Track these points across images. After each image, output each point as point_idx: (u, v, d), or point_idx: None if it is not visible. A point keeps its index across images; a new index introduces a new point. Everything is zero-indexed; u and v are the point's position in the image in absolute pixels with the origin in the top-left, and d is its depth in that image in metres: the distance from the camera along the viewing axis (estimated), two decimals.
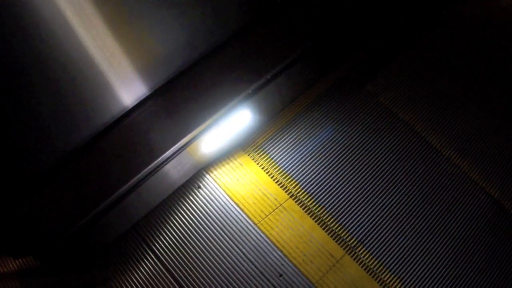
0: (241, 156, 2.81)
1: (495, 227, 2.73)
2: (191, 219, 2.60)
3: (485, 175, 2.90)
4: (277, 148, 2.83)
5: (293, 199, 2.66)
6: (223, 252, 2.50)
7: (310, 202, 2.66)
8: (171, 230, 2.58)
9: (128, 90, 2.11)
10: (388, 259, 2.54)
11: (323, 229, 2.58)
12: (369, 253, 2.54)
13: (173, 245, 2.54)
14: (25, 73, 1.68)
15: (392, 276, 2.49)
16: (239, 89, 2.34)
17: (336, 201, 2.67)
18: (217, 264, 2.47)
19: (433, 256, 2.58)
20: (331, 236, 2.56)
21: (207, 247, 2.51)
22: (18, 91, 1.71)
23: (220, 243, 2.52)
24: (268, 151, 2.82)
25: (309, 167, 2.77)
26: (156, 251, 2.53)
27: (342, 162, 2.80)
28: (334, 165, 2.79)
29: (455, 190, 2.81)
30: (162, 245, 2.54)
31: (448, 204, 2.75)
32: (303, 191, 2.69)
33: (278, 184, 2.71)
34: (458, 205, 2.76)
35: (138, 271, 2.49)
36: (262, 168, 2.76)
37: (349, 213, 2.64)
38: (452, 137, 3.00)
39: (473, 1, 3.69)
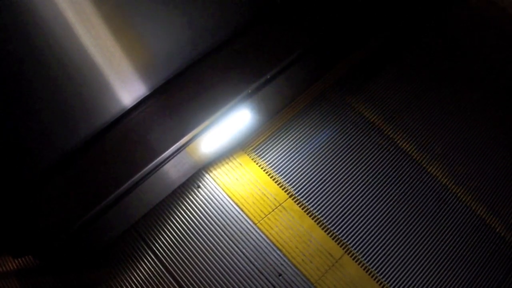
0: (241, 156, 2.81)
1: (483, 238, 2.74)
2: (190, 218, 2.61)
3: (476, 191, 2.90)
4: (276, 148, 2.83)
5: (293, 199, 2.67)
6: (222, 252, 2.50)
7: (309, 202, 2.66)
8: (171, 230, 2.58)
9: (128, 89, 2.11)
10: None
11: (323, 229, 2.58)
12: (368, 253, 2.54)
13: (172, 244, 2.54)
14: (25, 73, 1.69)
15: (391, 276, 2.50)
16: (238, 89, 2.35)
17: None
18: (216, 264, 2.47)
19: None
20: (330, 236, 2.57)
21: (206, 246, 2.52)
22: (18, 90, 1.72)
23: (220, 243, 2.53)
24: (268, 151, 2.83)
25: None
26: (156, 251, 2.53)
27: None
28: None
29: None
30: (162, 245, 2.55)
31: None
32: (301, 192, 2.69)
33: (278, 184, 2.71)
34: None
35: (138, 271, 2.49)
36: (261, 168, 2.76)
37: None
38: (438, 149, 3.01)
39: (472, 2, 3.70)
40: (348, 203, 2.68)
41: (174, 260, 2.50)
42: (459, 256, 2.61)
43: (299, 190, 2.70)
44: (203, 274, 2.45)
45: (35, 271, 2.59)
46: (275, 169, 2.76)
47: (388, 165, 2.83)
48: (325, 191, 2.70)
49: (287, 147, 2.84)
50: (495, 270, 2.60)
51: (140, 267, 2.50)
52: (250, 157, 2.80)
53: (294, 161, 2.79)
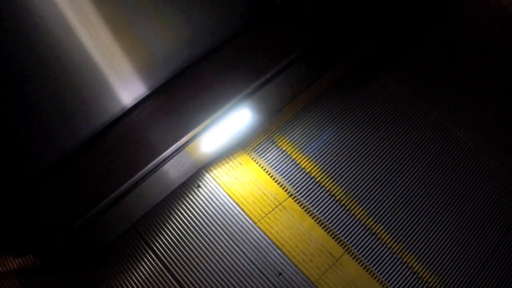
0: (241, 155, 2.81)
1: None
2: (190, 218, 2.61)
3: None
4: (275, 147, 2.83)
5: (293, 199, 2.67)
6: (222, 251, 2.50)
7: (309, 202, 2.66)
8: (171, 229, 2.58)
9: (128, 89, 2.11)
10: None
11: (323, 228, 2.59)
12: (368, 253, 2.55)
13: (173, 244, 2.54)
14: (25, 73, 1.68)
15: (391, 274, 2.50)
16: (238, 88, 2.35)
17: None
18: (216, 263, 2.47)
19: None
20: (331, 235, 2.57)
21: (206, 246, 2.52)
22: (19, 90, 1.72)
23: (220, 242, 2.53)
24: (267, 151, 2.83)
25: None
26: (156, 250, 2.54)
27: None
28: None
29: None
30: (162, 244, 2.55)
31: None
32: (301, 191, 2.70)
33: (278, 184, 2.71)
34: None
35: (138, 270, 2.50)
36: (262, 168, 2.76)
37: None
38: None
39: (472, 1, 3.70)
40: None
41: (175, 259, 2.50)
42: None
43: (299, 190, 2.70)
44: (203, 273, 2.45)
45: (35, 271, 2.59)
46: (274, 169, 2.76)
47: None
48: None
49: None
50: (496, 268, 2.61)
51: (141, 267, 2.50)
52: (250, 156, 2.81)
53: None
